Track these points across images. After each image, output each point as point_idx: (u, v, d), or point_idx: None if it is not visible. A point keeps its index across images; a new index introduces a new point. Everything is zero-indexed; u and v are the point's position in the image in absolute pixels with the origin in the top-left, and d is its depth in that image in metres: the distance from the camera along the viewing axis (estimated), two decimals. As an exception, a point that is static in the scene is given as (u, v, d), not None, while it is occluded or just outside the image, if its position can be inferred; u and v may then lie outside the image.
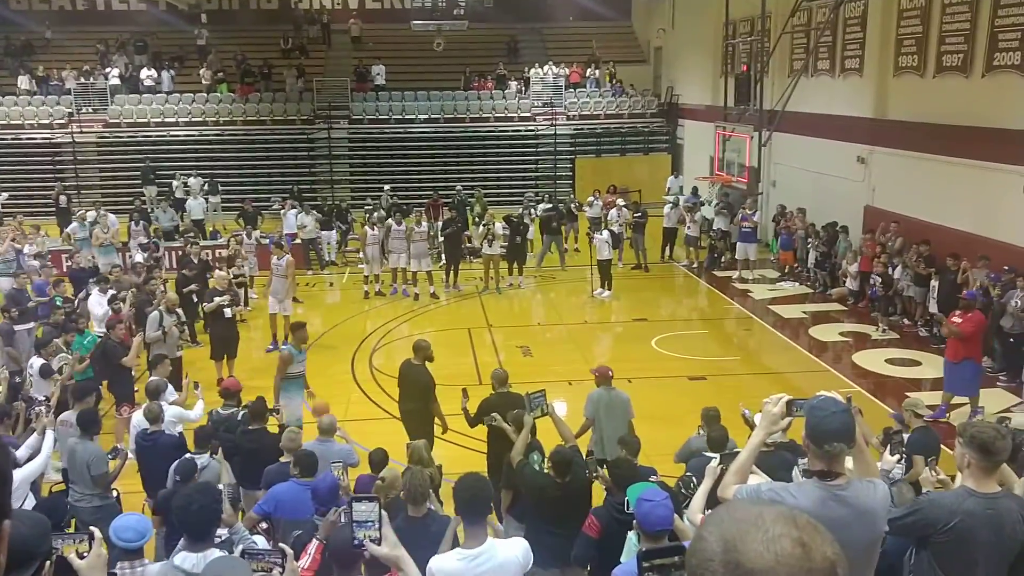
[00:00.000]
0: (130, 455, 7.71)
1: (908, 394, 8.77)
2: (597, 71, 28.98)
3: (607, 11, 31.66)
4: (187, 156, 25.64)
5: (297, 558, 3.78)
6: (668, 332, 14.68)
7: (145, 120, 26.24)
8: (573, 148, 27.60)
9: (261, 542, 4.97)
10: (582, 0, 31.18)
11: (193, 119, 26.44)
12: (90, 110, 26.32)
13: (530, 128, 27.47)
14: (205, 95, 27.17)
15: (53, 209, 22.25)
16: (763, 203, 20.00)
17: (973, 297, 11.04)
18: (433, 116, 27.12)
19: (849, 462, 3.35)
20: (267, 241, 17.08)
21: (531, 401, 7.04)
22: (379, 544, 3.08)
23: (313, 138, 26.71)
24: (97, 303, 12.08)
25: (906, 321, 14.51)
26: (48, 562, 2.28)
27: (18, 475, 6.40)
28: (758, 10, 19.15)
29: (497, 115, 27.44)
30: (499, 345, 14.13)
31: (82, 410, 7.53)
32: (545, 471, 6.34)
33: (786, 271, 18.26)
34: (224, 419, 7.76)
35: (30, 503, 6.59)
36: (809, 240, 17.44)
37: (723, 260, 19.32)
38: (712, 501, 4.12)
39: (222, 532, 4.83)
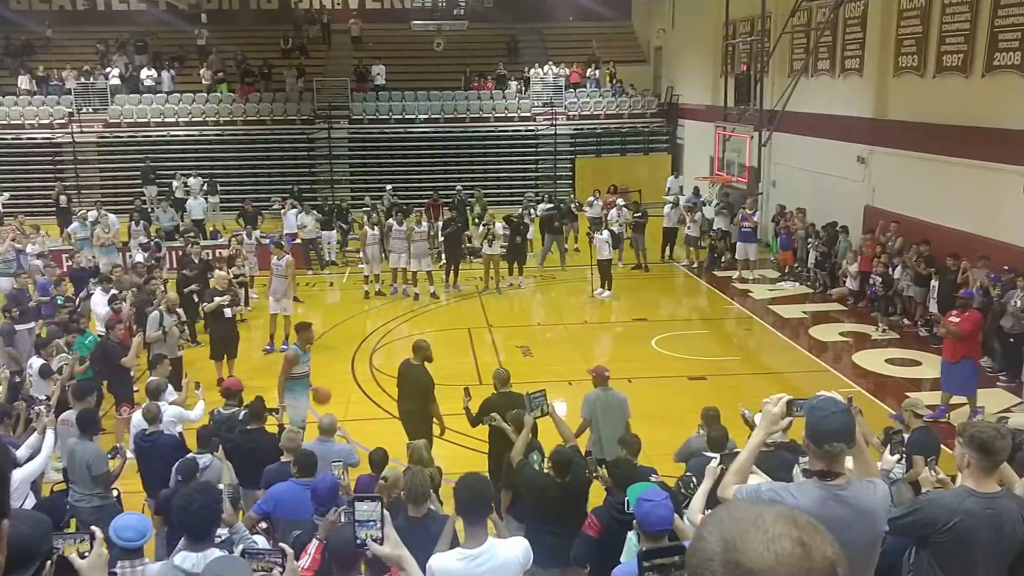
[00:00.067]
0: (129, 455, 7.71)
1: (908, 394, 8.77)
2: (597, 71, 28.99)
3: (607, 11, 31.67)
4: (187, 156, 25.64)
5: (297, 558, 3.78)
6: (668, 332, 14.68)
7: (145, 120, 26.25)
8: (573, 148, 27.60)
9: (261, 542, 4.97)
10: (582, 0, 31.18)
11: (193, 119, 26.46)
12: (90, 110, 26.32)
13: (530, 128, 27.47)
14: (205, 95, 27.18)
15: (53, 209, 22.26)
16: (763, 203, 20.01)
17: (970, 296, 11.03)
18: (433, 116, 27.13)
19: (849, 462, 3.36)
20: (267, 241, 17.09)
21: (531, 401, 7.05)
22: (381, 544, 3.08)
23: (313, 138, 26.72)
24: (100, 303, 12.08)
25: (906, 321, 14.51)
26: (49, 562, 2.28)
27: (18, 475, 6.41)
28: (758, 10, 19.15)
29: (497, 115, 27.44)
30: (499, 345, 14.13)
31: (82, 410, 7.53)
32: (545, 471, 6.35)
33: (786, 271, 18.27)
34: (226, 419, 7.76)
35: (30, 503, 6.59)
36: (809, 240, 17.44)
37: (723, 260, 19.32)
38: (712, 501, 4.13)
39: (222, 532, 4.83)
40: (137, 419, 7.70)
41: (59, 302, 12.42)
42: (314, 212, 19.60)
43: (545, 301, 17.53)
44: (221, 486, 5.76)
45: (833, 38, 18.38)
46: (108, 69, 27.52)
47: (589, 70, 28.99)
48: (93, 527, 3.00)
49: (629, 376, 11.81)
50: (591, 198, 21.13)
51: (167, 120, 26.34)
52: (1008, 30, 13.15)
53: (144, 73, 27.45)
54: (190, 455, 6.69)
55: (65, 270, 15.47)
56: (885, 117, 16.48)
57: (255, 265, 16.82)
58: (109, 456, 7.33)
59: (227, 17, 30.93)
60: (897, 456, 6.61)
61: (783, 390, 3.82)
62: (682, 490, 6.03)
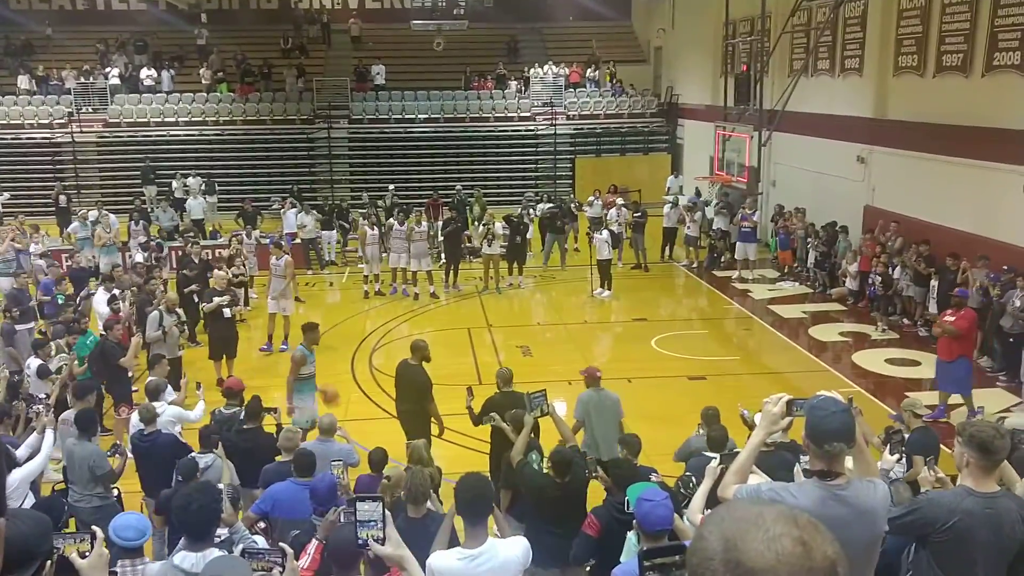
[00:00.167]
0: (129, 455, 7.71)
1: (907, 394, 8.77)
2: (597, 71, 28.99)
3: (607, 11, 31.67)
4: (187, 156, 25.64)
5: (296, 558, 3.78)
6: (668, 332, 14.68)
7: (145, 120, 26.25)
8: (573, 148, 27.60)
9: (261, 542, 4.97)
10: (582, 0, 31.18)
11: (193, 119, 26.45)
12: (90, 110, 26.32)
13: (530, 128, 27.47)
14: (205, 95, 27.18)
15: (53, 209, 22.25)
16: (763, 203, 20.01)
17: (965, 295, 11.04)
18: (433, 116, 27.13)
19: (849, 462, 3.36)
20: (267, 241, 17.09)
21: (531, 401, 7.04)
22: (383, 544, 3.08)
23: (313, 138, 26.72)
24: (103, 303, 12.08)
25: (906, 321, 14.51)
26: (49, 562, 2.28)
27: (18, 474, 6.41)
28: (758, 10, 19.15)
29: (497, 115, 27.45)
30: (499, 345, 14.13)
31: (81, 410, 7.53)
32: (544, 471, 6.35)
33: (785, 271, 18.27)
34: (227, 418, 7.76)
35: (30, 502, 6.59)
36: (809, 240, 17.44)
37: (723, 260, 19.32)
38: (712, 501, 4.13)
39: (222, 532, 4.83)
40: (136, 419, 7.71)
41: (60, 302, 12.41)
42: (314, 212, 19.60)
43: (545, 301, 17.54)
44: (221, 486, 5.75)
45: (833, 38, 18.38)
46: (108, 69, 27.52)
47: (589, 70, 28.99)
48: (94, 527, 3.01)
49: (629, 376, 11.83)
50: (591, 198, 21.14)
51: (167, 120, 26.34)
52: (1008, 30, 13.15)
53: (144, 73, 27.45)
54: (191, 455, 6.69)
55: (65, 270, 15.47)
56: (885, 117, 16.48)
57: (255, 265, 16.82)
58: (109, 454, 7.32)
59: (227, 17, 30.93)
60: (897, 456, 6.61)
61: (783, 390, 3.82)
62: (682, 490, 6.03)
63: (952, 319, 10.38)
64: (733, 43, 21.62)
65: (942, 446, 6.81)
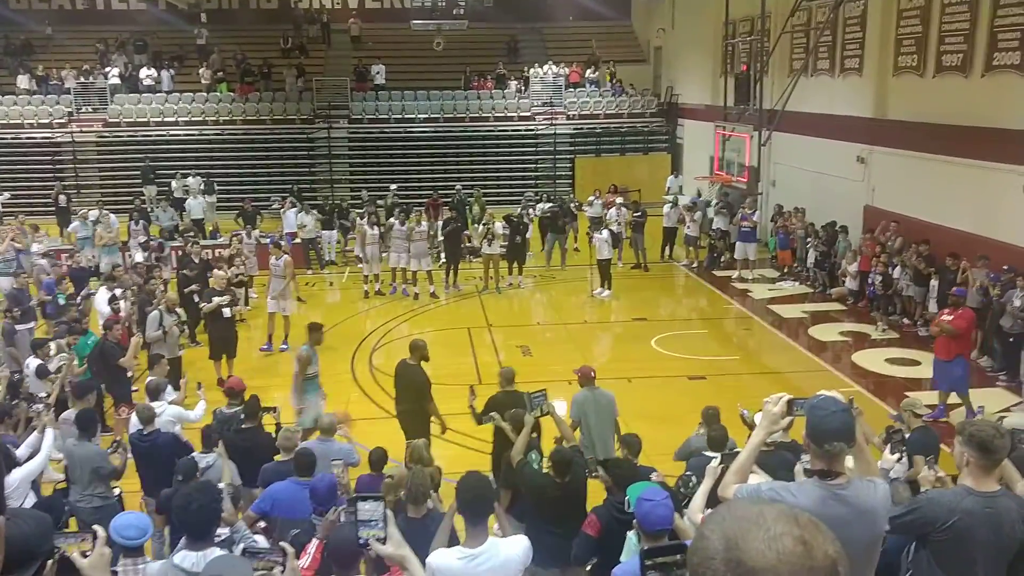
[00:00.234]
0: (128, 455, 7.71)
1: (907, 394, 8.78)
2: (597, 71, 28.99)
3: (607, 11, 31.67)
4: (187, 155, 25.63)
5: (296, 557, 3.78)
6: (668, 332, 14.68)
7: (145, 119, 26.24)
8: (573, 148, 27.59)
9: (262, 541, 4.97)
10: (582, 0, 31.18)
11: (193, 119, 26.45)
12: (90, 109, 26.31)
13: (530, 128, 27.47)
14: (205, 94, 27.18)
15: (53, 209, 22.25)
16: (763, 203, 20.01)
17: (963, 294, 11.04)
18: (433, 116, 27.13)
19: (850, 461, 3.36)
20: (267, 241, 17.09)
21: (531, 401, 7.05)
22: (384, 543, 3.08)
23: (313, 138, 26.71)
24: (105, 302, 12.07)
25: (906, 321, 14.51)
26: (50, 561, 2.28)
27: (18, 473, 6.41)
28: (758, 10, 19.14)
29: (497, 115, 27.44)
30: (499, 345, 14.13)
31: (81, 410, 7.53)
32: (544, 471, 6.35)
33: (785, 271, 18.28)
34: (228, 418, 7.76)
35: (30, 502, 6.59)
36: (809, 240, 17.44)
37: (723, 260, 19.33)
38: (712, 500, 4.13)
39: (223, 531, 4.83)
40: (135, 419, 7.71)
41: (61, 301, 12.41)
42: (314, 212, 19.60)
43: (545, 301, 17.54)
44: (221, 485, 5.76)
45: (833, 38, 18.38)
46: (108, 68, 27.51)
47: (589, 70, 28.99)
48: (95, 526, 3.01)
49: (629, 376, 11.84)
50: (591, 197, 21.13)
51: (167, 120, 26.33)
52: (1008, 30, 13.15)
53: (144, 72, 27.44)
54: (191, 455, 6.69)
55: (65, 269, 15.47)
56: (885, 117, 16.48)
57: (255, 265, 16.81)
58: (110, 451, 7.31)
59: (227, 16, 30.93)
60: (897, 455, 6.62)
61: (783, 390, 3.82)
62: (682, 489, 6.03)
63: (950, 318, 10.38)
64: (733, 43, 21.62)
65: (942, 446, 6.81)
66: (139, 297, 12.37)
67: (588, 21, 31.67)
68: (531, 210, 19.84)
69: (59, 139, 25.83)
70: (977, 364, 12.23)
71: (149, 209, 21.70)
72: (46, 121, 25.71)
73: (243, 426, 7.45)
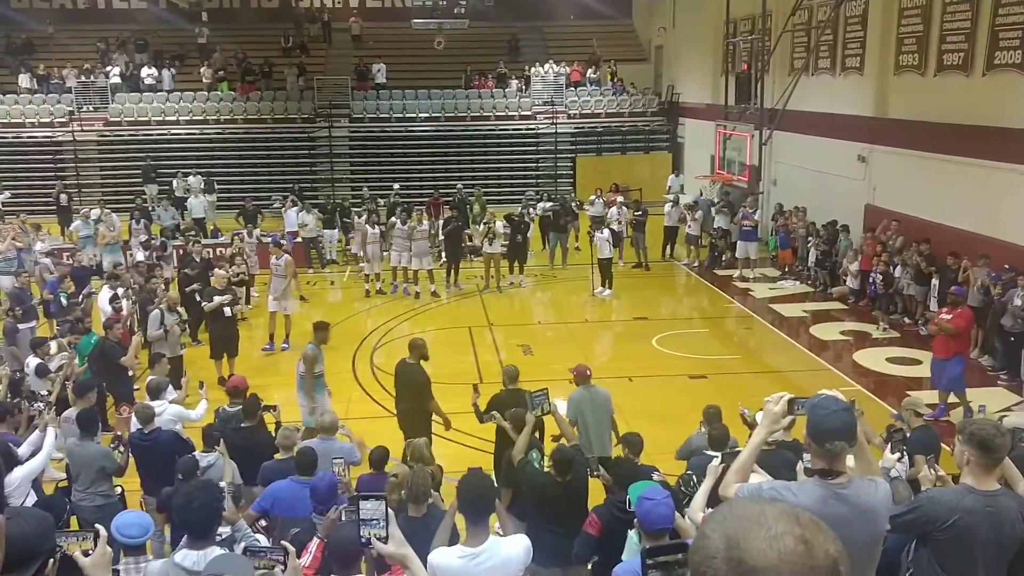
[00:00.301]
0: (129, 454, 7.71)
1: (908, 393, 8.78)
2: (598, 70, 28.98)
3: (608, 10, 31.66)
4: (188, 155, 25.64)
5: (298, 556, 3.78)
6: (669, 331, 14.68)
7: (146, 118, 26.26)
8: (574, 147, 27.59)
9: (264, 540, 4.98)
10: (583, -1, 31.22)
11: (194, 117, 26.46)
12: (91, 108, 26.31)
13: (531, 127, 27.47)
14: (206, 94, 27.19)
15: (54, 208, 22.27)
16: (764, 202, 20.00)
17: (962, 293, 11.04)
18: (434, 115, 27.14)
19: (851, 460, 3.36)
20: (268, 240, 17.10)
21: (532, 400, 7.05)
22: (386, 542, 3.09)
23: (314, 137, 26.72)
24: (107, 301, 12.07)
25: (907, 320, 14.51)
26: (52, 560, 2.29)
27: (20, 472, 6.41)
28: (759, 8, 19.15)
29: (498, 114, 27.45)
30: (500, 344, 14.14)
31: (82, 409, 7.53)
32: (546, 470, 6.35)
33: (786, 270, 18.27)
34: (230, 416, 7.76)
35: (31, 500, 6.59)
36: (810, 239, 17.44)
37: (724, 259, 19.32)
38: (713, 500, 4.13)
39: (224, 530, 4.83)
40: (135, 419, 7.71)
41: (64, 300, 12.41)
42: (315, 211, 19.61)
43: (546, 300, 17.54)
44: (222, 484, 5.76)
45: (834, 36, 18.36)
46: (109, 68, 27.52)
47: (590, 69, 28.98)
48: (97, 525, 3.01)
49: (630, 375, 11.85)
50: (592, 196, 21.12)
51: (168, 119, 26.34)
52: (1009, 29, 13.14)
53: (145, 72, 27.45)
54: (192, 454, 6.69)
55: (67, 268, 15.47)
56: (886, 116, 16.48)
57: (256, 264, 16.82)
58: (112, 447, 7.31)
59: (228, 15, 30.94)
60: (898, 455, 6.61)
61: (784, 389, 3.82)
62: (683, 488, 6.03)
63: (949, 317, 10.39)
64: (734, 42, 21.61)
65: (943, 445, 6.81)
66: (140, 296, 12.37)
67: (589, 20, 31.66)
68: (532, 209, 19.83)
69: (60, 138, 25.84)
70: (978, 363, 12.24)
71: (150, 208, 21.70)
72: (47, 120, 25.73)
73: (243, 424, 7.46)
